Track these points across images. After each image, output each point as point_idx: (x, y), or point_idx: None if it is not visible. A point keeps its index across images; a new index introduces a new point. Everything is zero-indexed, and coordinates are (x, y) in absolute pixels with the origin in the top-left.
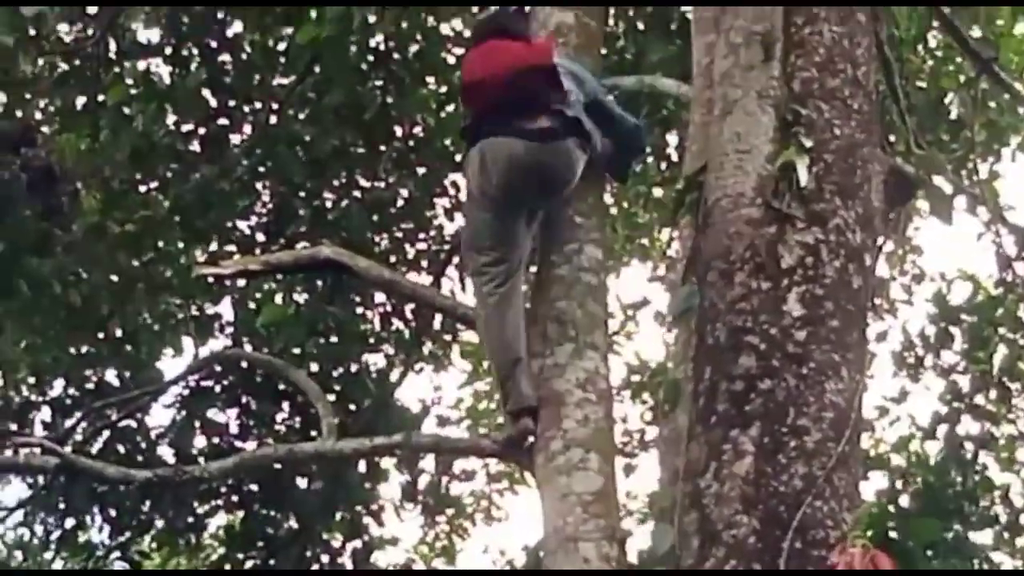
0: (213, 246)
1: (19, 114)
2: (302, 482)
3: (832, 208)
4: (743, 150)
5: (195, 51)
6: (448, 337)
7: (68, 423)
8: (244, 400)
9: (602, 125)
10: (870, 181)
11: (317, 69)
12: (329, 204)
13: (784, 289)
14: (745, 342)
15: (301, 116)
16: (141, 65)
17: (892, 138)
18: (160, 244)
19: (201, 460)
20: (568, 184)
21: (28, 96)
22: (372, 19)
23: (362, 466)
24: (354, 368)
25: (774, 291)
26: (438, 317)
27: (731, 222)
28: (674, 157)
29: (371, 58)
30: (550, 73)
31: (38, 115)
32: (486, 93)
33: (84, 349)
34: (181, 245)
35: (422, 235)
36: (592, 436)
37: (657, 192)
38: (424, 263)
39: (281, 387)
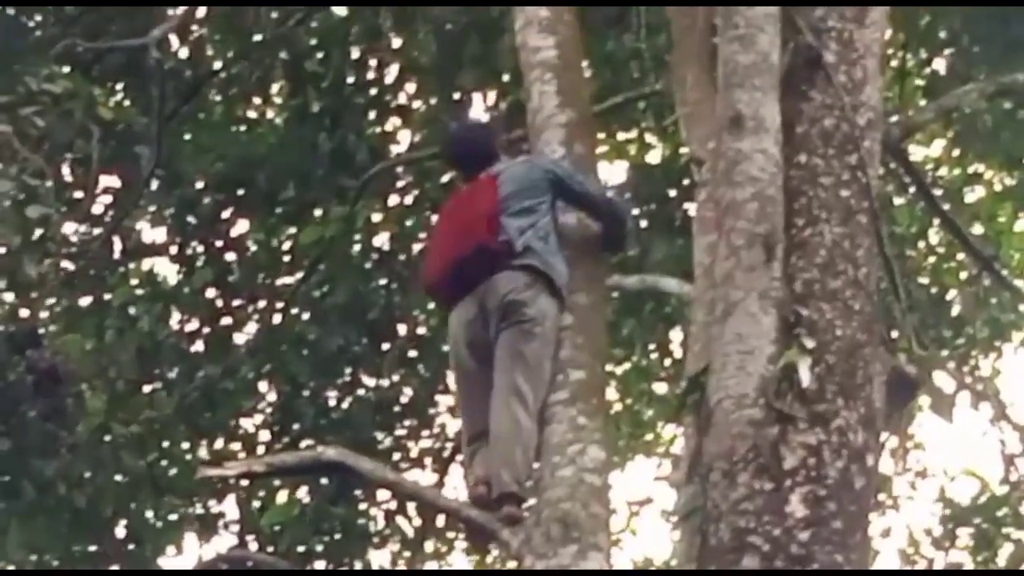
0: (218, 444)
1: (25, 315)
2: None
3: (834, 409)
4: (745, 351)
5: (200, 251)
6: (451, 535)
7: None
8: None
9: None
10: (872, 381)
11: (321, 268)
12: (333, 403)
13: (787, 490)
14: (748, 543)
15: (305, 315)
16: (146, 265)
17: (895, 334)
18: (165, 444)
19: None
20: (511, 310)
21: (34, 297)
22: (376, 218)
23: None
24: (359, 566)
25: (777, 492)
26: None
27: (733, 423)
28: (677, 354)
29: (375, 257)
30: (487, 247)
31: (44, 315)
32: (442, 287)
33: (89, 549)
34: (186, 444)
35: (425, 433)
36: None
37: (660, 389)
38: (428, 461)
39: None
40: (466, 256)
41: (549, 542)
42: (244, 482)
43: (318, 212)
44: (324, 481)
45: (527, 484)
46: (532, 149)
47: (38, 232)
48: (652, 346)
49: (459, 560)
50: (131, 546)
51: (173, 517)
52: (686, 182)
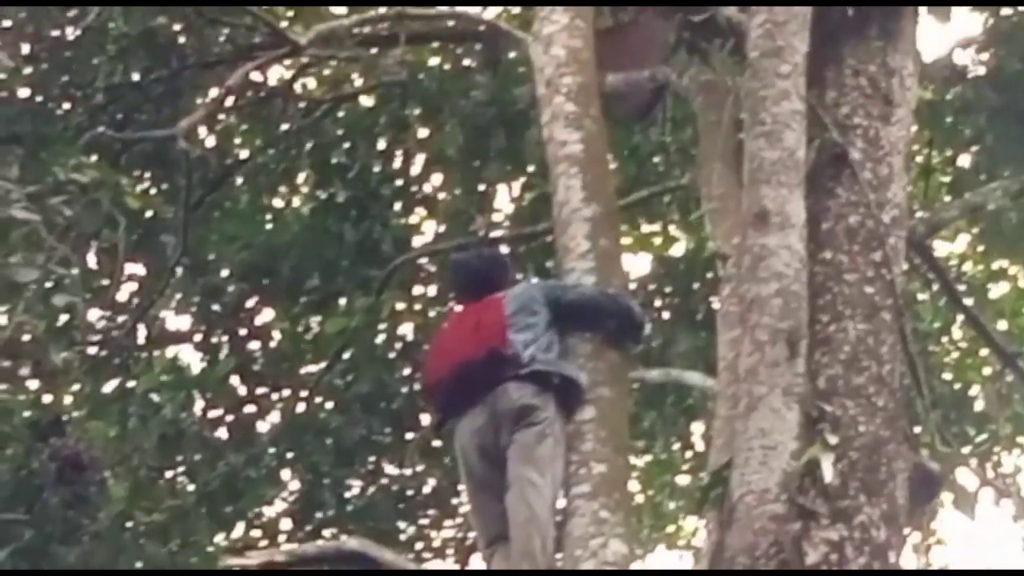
0: (239, 532)
1: (48, 402)
2: None
3: (857, 505)
4: (768, 446)
5: (224, 339)
6: None
7: None
8: None
9: (583, 319)
10: (895, 478)
11: (345, 358)
12: (356, 492)
13: None
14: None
15: (329, 404)
16: (170, 353)
17: (918, 430)
18: (187, 533)
19: None
20: (523, 414)
21: (58, 384)
22: (400, 308)
23: None
24: None
25: None
26: None
27: (756, 518)
28: (699, 447)
29: (398, 347)
30: (499, 351)
31: (67, 402)
32: (447, 390)
33: None
34: (207, 533)
35: (448, 523)
36: None
37: (682, 481)
38: (450, 551)
39: None
40: (479, 359)
41: None
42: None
43: (343, 302)
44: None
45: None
46: (557, 242)
47: (63, 319)
48: (674, 439)
49: None
50: None
51: None
52: (710, 275)
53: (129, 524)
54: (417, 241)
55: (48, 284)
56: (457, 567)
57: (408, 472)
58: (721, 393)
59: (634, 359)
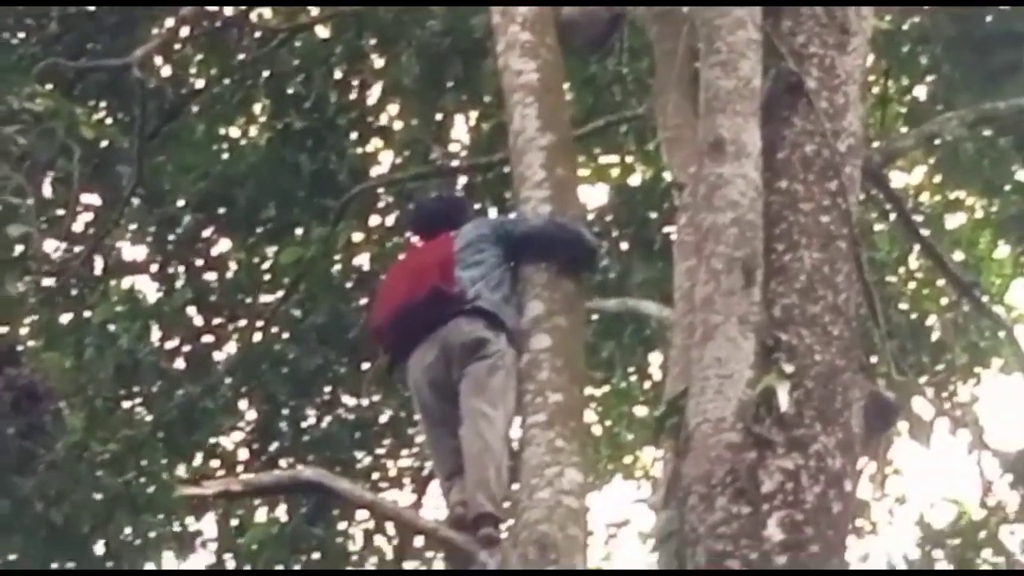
0: (196, 462)
1: (3, 332)
2: None
3: (812, 434)
4: (724, 375)
5: (181, 270)
6: (430, 554)
7: None
8: None
9: (535, 251)
10: (850, 407)
11: (301, 288)
12: (312, 422)
13: (764, 514)
14: (725, 567)
15: (285, 335)
16: (126, 284)
17: (874, 360)
18: (143, 462)
19: None
20: (474, 348)
21: (13, 315)
22: (357, 239)
23: None
24: None
25: (754, 516)
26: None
27: (712, 447)
28: (656, 377)
29: (355, 277)
30: (441, 289)
31: (23, 332)
32: (392, 331)
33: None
34: (164, 462)
35: (404, 452)
36: None
37: (640, 412)
38: (406, 481)
39: None
40: (420, 300)
41: (527, 564)
42: (222, 501)
43: (299, 232)
44: (303, 500)
45: (503, 505)
46: (513, 171)
47: (18, 250)
48: (632, 369)
49: None
50: (109, 564)
51: (151, 535)
52: (667, 205)
53: (85, 454)
54: (374, 171)
55: (2, 214)
56: (414, 497)
57: (364, 402)
58: (677, 323)
59: (591, 289)
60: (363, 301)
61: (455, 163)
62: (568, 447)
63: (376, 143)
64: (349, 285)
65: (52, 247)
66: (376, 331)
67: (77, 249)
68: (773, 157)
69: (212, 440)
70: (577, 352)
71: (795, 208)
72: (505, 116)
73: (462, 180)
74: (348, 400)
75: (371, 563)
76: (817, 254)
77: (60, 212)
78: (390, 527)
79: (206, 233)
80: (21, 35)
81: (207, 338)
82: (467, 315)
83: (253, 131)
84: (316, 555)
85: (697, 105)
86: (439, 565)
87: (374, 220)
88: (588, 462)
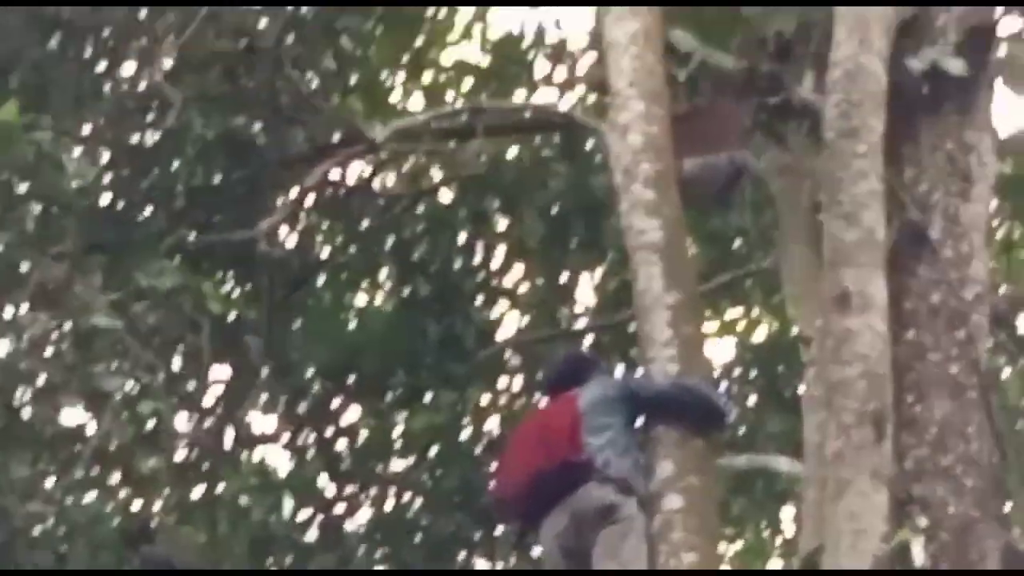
0: None
1: (137, 508)
2: None
3: None
4: (858, 530)
5: (311, 439)
6: None
7: None
8: None
9: (663, 413)
10: (986, 558)
11: (432, 454)
12: None
13: None
14: None
15: (418, 502)
16: (257, 455)
17: (1008, 508)
18: None
19: None
20: (605, 514)
21: (146, 491)
22: (485, 401)
23: None
24: None
25: None
26: None
27: None
28: (788, 532)
29: (485, 441)
30: (571, 461)
31: (156, 508)
32: (521, 501)
33: None
34: None
35: None
36: None
37: (773, 567)
38: None
39: None
40: (550, 470)
41: None
42: None
43: (428, 397)
44: None
45: None
46: (639, 331)
47: (150, 425)
48: (764, 524)
49: None
50: None
51: None
52: (795, 359)
53: None
54: (500, 334)
55: (134, 391)
56: None
57: (499, 566)
58: (808, 478)
59: (721, 445)
60: (493, 466)
61: (581, 324)
62: None
63: (502, 306)
64: (479, 450)
65: (183, 421)
66: (504, 499)
67: (208, 422)
68: (900, 307)
69: None
70: (710, 510)
71: (923, 358)
72: (630, 274)
73: (588, 340)
74: (482, 565)
75: None
76: (947, 404)
77: (191, 387)
78: None
79: (336, 402)
80: (148, 210)
81: (339, 507)
82: (597, 482)
83: (379, 298)
84: None
85: (822, 257)
86: None
87: (502, 383)
88: None
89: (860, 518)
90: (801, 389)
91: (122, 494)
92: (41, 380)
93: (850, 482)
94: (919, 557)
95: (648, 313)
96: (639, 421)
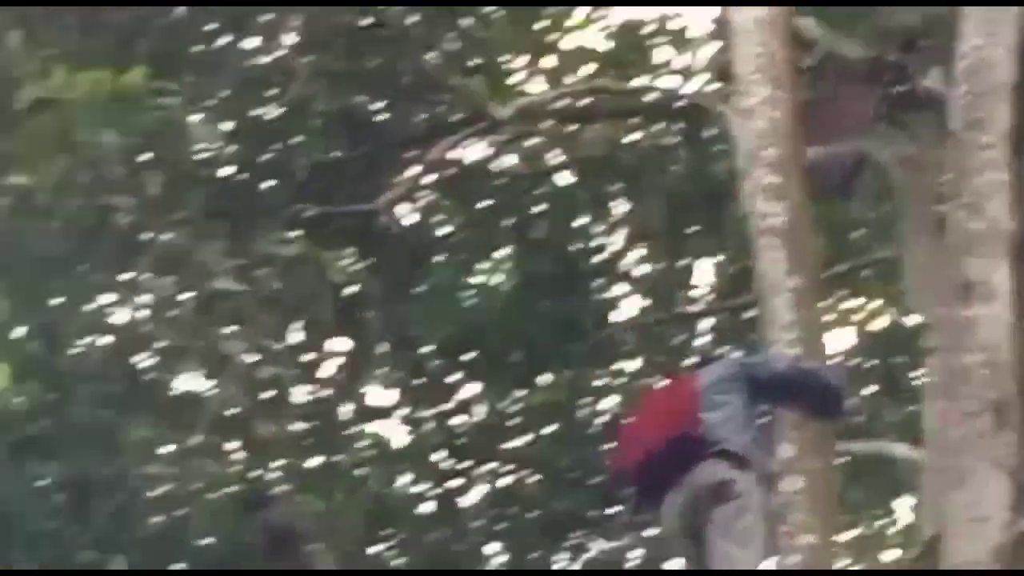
0: None
1: (256, 475)
2: None
3: None
4: (978, 518)
5: (429, 413)
6: None
7: None
8: None
9: (782, 395)
10: None
11: (549, 432)
12: (562, 566)
13: None
14: None
15: (534, 479)
16: (375, 427)
17: None
18: None
19: None
20: (721, 491)
21: (265, 458)
22: (602, 382)
23: None
24: None
25: None
26: None
27: None
28: (904, 522)
29: (601, 421)
30: (689, 434)
31: (274, 476)
32: (640, 474)
33: None
34: None
35: None
36: None
37: (888, 557)
38: None
39: None
40: (668, 446)
41: None
42: None
43: (546, 376)
44: None
45: None
46: (760, 314)
47: (269, 393)
48: (880, 513)
49: None
50: None
51: None
52: (914, 349)
53: None
54: (618, 316)
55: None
56: None
57: (615, 545)
58: (929, 466)
59: (840, 431)
60: (610, 445)
61: (698, 307)
62: None
63: (621, 287)
64: (595, 430)
65: (302, 392)
66: (622, 474)
67: (327, 393)
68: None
69: None
70: (829, 494)
71: None
72: (749, 259)
73: (706, 323)
74: (597, 545)
75: None
76: None
77: (310, 356)
78: None
79: (453, 377)
80: (269, 183)
81: (455, 482)
82: (715, 457)
83: (498, 277)
84: None
85: (944, 248)
86: None
87: (619, 364)
88: None
89: (980, 506)
90: (920, 379)
91: (240, 461)
92: (162, 344)
93: (971, 470)
94: None
95: (770, 296)
96: (759, 402)
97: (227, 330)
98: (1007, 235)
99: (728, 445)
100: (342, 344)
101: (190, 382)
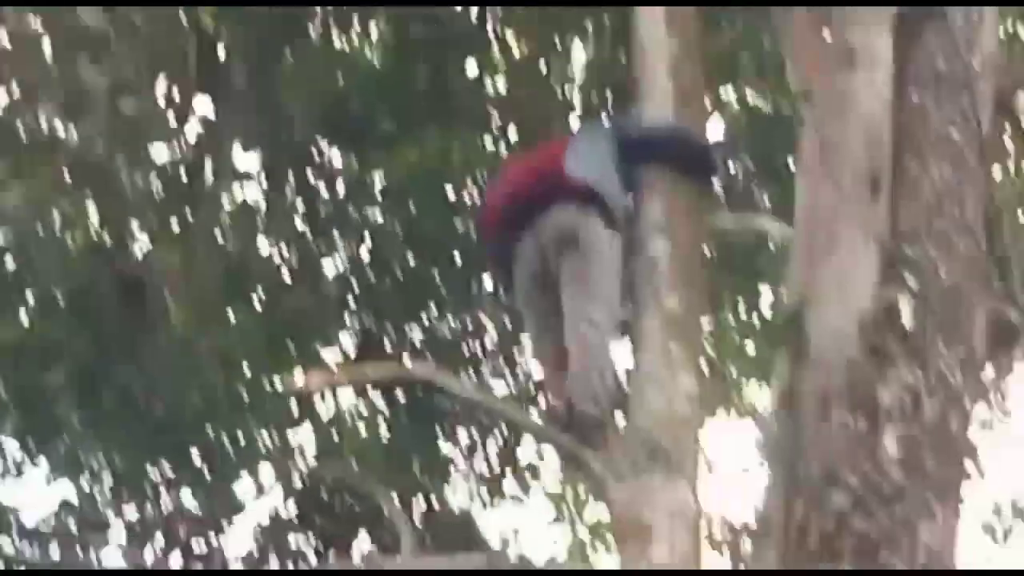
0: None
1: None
2: None
3: (934, 350)
4: (846, 287)
5: (292, 179)
6: (529, 474)
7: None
8: (321, 528)
9: (652, 155)
10: (973, 325)
11: (413, 200)
12: (420, 335)
13: (881, 428)
14: (839, 479)
15: (395, 247)
16: (236, 191)
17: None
18: (246, 366)
19: None
20: (569, 238)
21: (124, 211)
22: (469, 152)
23: None
24: (435, 502)
25: (871, 430)
26: (520, 452)
27: (831, 358)
28: (767, 314)
29: (467, 191)
30: (544, 174)
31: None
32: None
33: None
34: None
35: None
36: (680, 570)
37: (748, 348)
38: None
39: (359, 513)
40: (526, 185)
41: (635, 469)
42: (322, 408)
43: (412, 146)
44: (404, 415)
45: (610, 407)
46: (637, 81)
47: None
48: (742, 303)
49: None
50: (205, 471)
51: (250, 442)
52: (790, 132)
53: (190, 351)
54: (489, 88)
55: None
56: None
57: (474, 314)
58: (799, 236)
59: (713, 200)
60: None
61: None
62: (682, 352)
63: (494, 57)
64: (461, 200)
65: (164, 153)
66: (484, 226)
67: (189, 156)
68: (904, 70)
69: (317, 351)
70: (696, 258)
71: (925, 122)
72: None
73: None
74: (457, 311)
75: (478, 467)
76: (946, 169)
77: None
78: (491, 448)
79: (319, 144)
80: None
81: (315, 249)
82: (569, 202)
83: (369, 43)
84: (416, 471)
85: (824, 14)
86: (537, 485)
87: (489, 135)
88: (701, 369)
89: (849, 275)
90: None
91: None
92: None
93: (841, 239)
94: (907, 317)
95: (647, 62)
96: (628, 161)
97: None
98: (891, 8)
99: (592, 186)
100: (207, 104)
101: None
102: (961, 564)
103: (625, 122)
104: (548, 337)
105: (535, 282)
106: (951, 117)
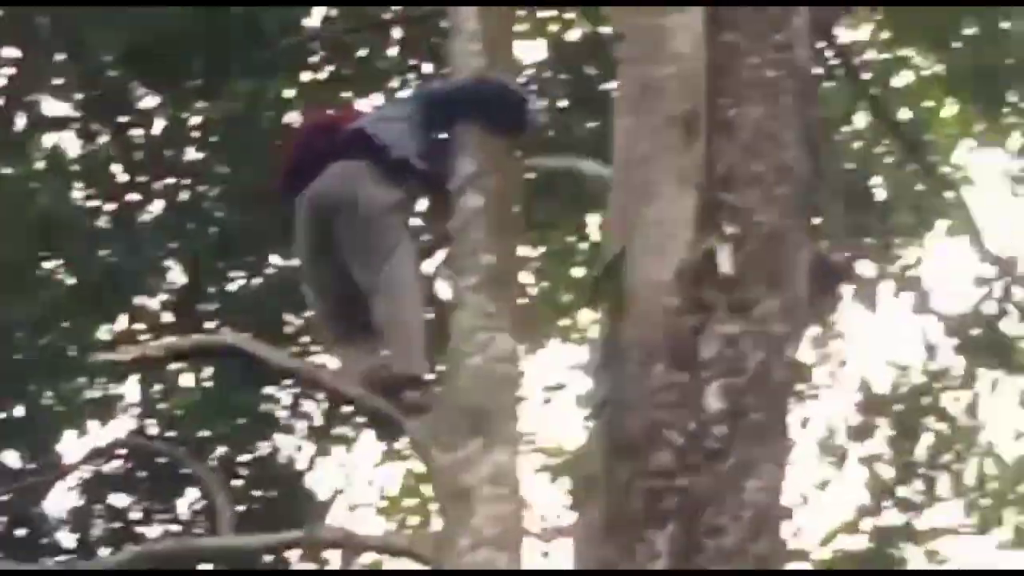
0: (121, 324)
1: None
2: None
3: (755, 297)
4: (663, 236)
5: (105, 125)
6: (360, 420)
7: None
8: (147, 485)
9: (461, 110)
10: (795, 269)
11: (230, 145)
12: (240, 284)
13: (703, 381)
14: (662, 436)
15: (213, 193)
16: (48, 139)
17: (819, 221)
18: (64, 324)
19: (101, 547)
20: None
21: None
22: (288, 93)
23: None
24: (263, 452)
25: (693, 383)
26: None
27: (650, 310)
28: (594, 237)
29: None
30: (336, 128)
31: None
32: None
33: None
34: (86, 324)
35: None
36: (501, 535)
37: (578, 273)
38: None
39: (186, 472)
40: (315, 137)
41: (456, 433)
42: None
43: (228, 87)
44: (231, 365)
45: (425, 369)
46: (448, 26)
47: None
48: (570, 229)
49: (366, 445)
50: (28, 429)
51: (73, 401)
52: (607, 61)
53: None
54: (306, 23)
55: None
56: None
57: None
58: (615, 180)
59: (529, 147)
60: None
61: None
62: (500, 312)
63: None
64: (279, 143)
65: None
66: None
67: None
68: (717, 8)
69: (136, 302)
70: (510, 212)
71: (740, 61)
72: None
73: (397, 33)
74: (276, 261)
75: (300, 429)
76: (762, 109)
77: None
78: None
79: (132, 88)
80: None
81: (132, 196)
82: (348, 159)
83: None
84: (242, 420)
85: None
86: (369, 432)
87: (306, 76)
88: (519, 327)
89: (667, 223)
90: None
91: None
92: None
93: (657, 185)
94: (726, 265)
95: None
96: (435, 122)
97: None
98: None
99: (383, 143)
100: (13, 52)
101: None
102: (800, 491)
103: (428, 86)
104: (332, 310)
105: (315, 247)
106: (766, 55)
